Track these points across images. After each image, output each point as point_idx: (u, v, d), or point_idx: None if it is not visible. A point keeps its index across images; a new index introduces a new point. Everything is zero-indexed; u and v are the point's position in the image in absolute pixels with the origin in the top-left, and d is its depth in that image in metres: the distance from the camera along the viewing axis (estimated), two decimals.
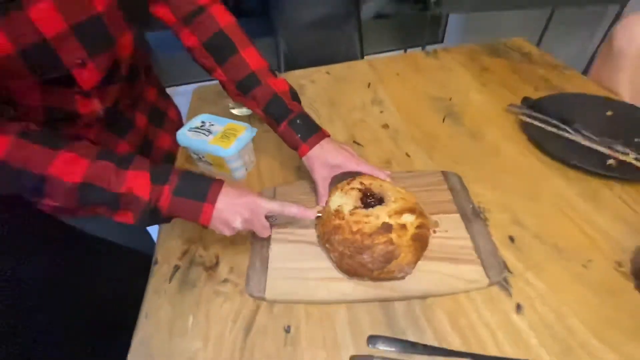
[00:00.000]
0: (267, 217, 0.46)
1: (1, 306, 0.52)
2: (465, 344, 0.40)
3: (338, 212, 0.46)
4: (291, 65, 1.22)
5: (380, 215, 0.44)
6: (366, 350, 0.40)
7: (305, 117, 0.54)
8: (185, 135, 0.61)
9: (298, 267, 0.47)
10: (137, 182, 0.42)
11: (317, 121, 0.55)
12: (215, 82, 0.59)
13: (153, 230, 0.86)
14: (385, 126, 0.72)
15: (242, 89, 0.55)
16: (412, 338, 0.41)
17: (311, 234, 0.51)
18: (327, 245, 0.47)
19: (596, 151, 0.60)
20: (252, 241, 0.52)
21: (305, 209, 0.47)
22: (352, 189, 0.49)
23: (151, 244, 0.84)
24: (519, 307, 0.43)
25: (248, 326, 0.43)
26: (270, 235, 0.51)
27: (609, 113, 0.67)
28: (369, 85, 0.84)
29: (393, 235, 0.42)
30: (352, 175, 0.52)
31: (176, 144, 0.68)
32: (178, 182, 0.43)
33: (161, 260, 0.52)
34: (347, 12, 1.24)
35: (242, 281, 0.48)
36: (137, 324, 0.46)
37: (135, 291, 0.52)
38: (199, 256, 0.52)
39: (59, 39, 0.42)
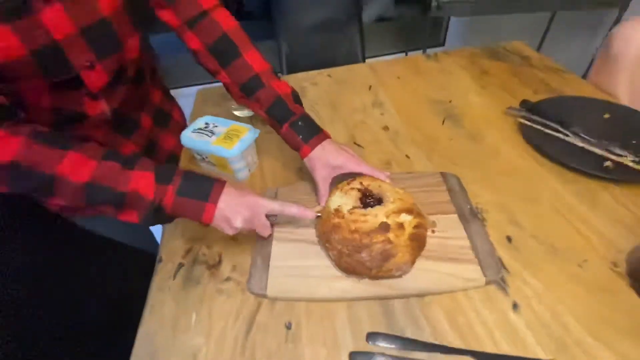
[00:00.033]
0: (267, 217, 0.47)
1: (7, 304, 0.53)
2: (463, 342, 0.41)
3: (337, 212, 0.47)
4: (293, 68, 1.24)
5: (378, 215, 0.45)
6: (365, 347, 0.41)
7: (307, 119, 0.55)
8: (189, 137, 0.62)
9: (299, 265, 0.48)
10: (142, 182, 0.43)
11: (319, 123, 0.56)
12: (218, 84, 0.60)
13: (156, 230, 0.87)
14: (386, 128, 0.73)
15: (246, 91, 0.56)
16: (410, 335, 0.42)
17: (312, 233, 0.52)
18: (326, 244, 0.48)
19: (593, 153, 0.61)
20: (255, 240, 0.53)
21: (305, 208, 0.48)
22: (352, 189, 0.50)
23: (154, 243, 0.85)
24: (515, 306, 0.43)
25: (250, 323, 0.44)
26: (272, 235, 0.52)
27: (606, 116, 0.67)
28: (369, 87, 0.86)
29: (391, 235, 0.43)
30: (352, 176, 0.53)
31: (180, 145, 0.69)
32: (181, 182, 0.44)
33: (165, 258, 0.53)
34: (349, 15, 1.25)
35: (244, 279, 0.49)
36: (142, 320, 0.47)
37: (138, 289, 0.53)
38: (202, 254, 0.53)
39: (68, 42, 0.43)
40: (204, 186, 0.45)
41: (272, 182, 0.64)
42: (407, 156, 0.66)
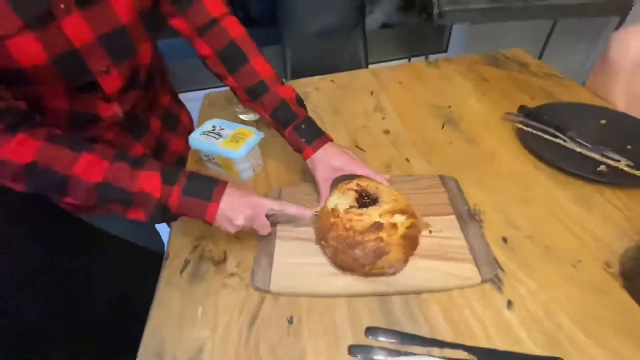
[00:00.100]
0: (267, 216, 0.50)
1: (17, 299, 0.55)
2: (458, 337, 0.42)
3: (334, 211, 0.49)
4: (297, 73, 1.27)
5: (372, 214, 0.47)
6: (364, 341, 0.43)
7: (310, 122, 0.57)
8: (197, 139, 0.65)
9: (301, 263, 0.50)
10: (149, 182, 0.45)
11: (321, 127, 0.58)
12: (224, 88, 0.63)
13: (162, 229, 0.89)
14: (387, 132, 0.75)
15: (252, 95, 0.59)
16: (408, 331, 0.43)
17: (313, 231, 0.54)
18: (323, 242, 0.50)
19: (589, 158, 0.63)
20: (259, 238, 0.55)
21: (304, 208, 0.50)
22: (349, 189, 0.52)
23: (160, 241, 0.88)
24: (510, 304, 0.45)
25: (253, 317, 0.46)
26: (275, 233, 0.54)
27: (602, 121, 0.69)
28: (371, 93, 0.88)
29: (383, 234, 0.45)
30: (352, 177, 0.55)
31: (187, 147, 0.72)
32: (186, 183, 0.47)
33: (172, 255, 0.55)
34: (353, 22, 1.28)
35: (248, 275, 0.51)
36: (150, 313, 0.49)
37: (144, 286, 0.55)
38: (209, 251, 0.55)
39: (87, 49, 0.46)
40: (207, 186, 0.47)
41: (276, 182, 0.66)
42: (407, 159, 0.68)
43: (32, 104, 0.46)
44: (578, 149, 0.64)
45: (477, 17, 1.35)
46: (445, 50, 2.01)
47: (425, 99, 0.84)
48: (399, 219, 0.47)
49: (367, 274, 0.47)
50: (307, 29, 1.27)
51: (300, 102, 0.59)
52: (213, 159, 0.66)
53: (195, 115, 0.85)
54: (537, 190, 0.59)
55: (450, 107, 0.80)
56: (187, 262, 0.54)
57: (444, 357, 0.40)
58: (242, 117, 0.82)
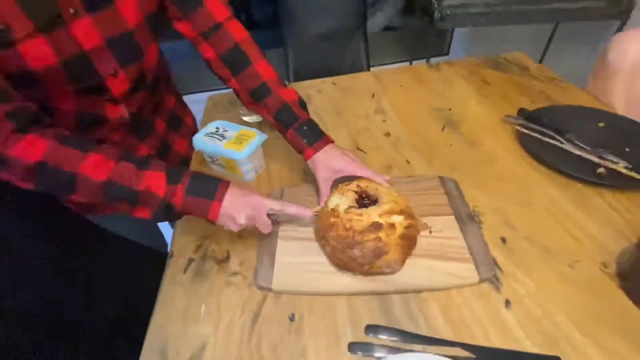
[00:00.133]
0: (268, 215, 0.51)
1: (22, 297, 0.56)
2: (457, 336, 0.43)
3: (334, 211, 0.50)
4: (300, 76, 1.28)
5: (372, 214, 0.48)
6: (364, 338, 0.44)
7: (312, 124, 0.58)
8: (201, 140, 0.66)
9: (302, 262, 0.51)
10: (154, 181, 0.47)
11: (323, 129, 0.59)
12: (228, 90, 0.64)
13: (165, 229, 0.90)
14: (387, 134, 0.76)
15: (255, 97, 0.60)
16: (407, 329, 0.44)
17: (314, 231, 0.55)
18: (322, 241, 0.51)
19: (588, 160, 0.63)
20: (261, 238, 0.56)
21: (304, 208, 0.51)
22: (349, 190, 0.53)
23: (163, 242, 0.89)
24: (507, 303, 0.46)
25: (256, 314, 0.47)
26: (277, 233, 0.55)
27: (601, 124, 0.70)
28: (373, 95, 0.89)
29: (382, 234, 0.46)
30: (353, 179, 0.56)
31: (191, 148, 0.73)
32: (190, 182, 0.48)
33: (176, 254, 0.56)
34: (354, 26, 1.29)
35: (250, 274, 0.52)
36: (154, 311, 0.50)
37: (147, 285, 0.56)
38: (212, 250, 0.56)
39: (95, 52, 0.48)
40: (211, 186, 0.49)
41: (279, 183, 0.67)
42: (407, 161, 0.69)
43: (40, 106, 0.48)
44: (577, 152, 0.65)
45: (478, 20, 1.36)
46: (447, 53, 2.02)
47: (426, 101, 0.85)
48: (398, 219, 0.48)
49: (365, 274, 0.48)
50: (310, 31, 1.29)
51: (302, 104, 0.61)
52: (217, 160, 0.68)
53: (199, 117, 0.86)
54: (536, 192, 0.60)
55: (450, 109, 0.81)
56: (190, 261, 0.55)
57: (442, 355, 0.41)
58: (245, 119, 0.83)
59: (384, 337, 0.43)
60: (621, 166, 0.60)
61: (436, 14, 1.32)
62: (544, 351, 0.41)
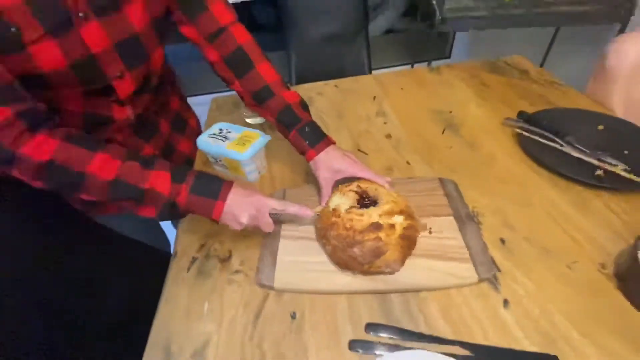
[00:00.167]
0: (270, 215, 0.51)
1: (26, 296, 0.56)
2: (456, 335, 0.44)
3: (335, 211, 0.51)
4: (302, 78, 1.29)
5: (372, 215, 0.49)
6: (364, 336, 0.44)
7: (314, 126, 0.59)
8: (205, 141, 0.67)
9: (304, 261, 0.52)
10: (159, 180, 0.48)
11: (325, 130, 0.60)
12: (231, 93, 0.65)
13: (168, 229, 0.91)
14: (388, 136, 0.77)
15: (258, 99, 0.61)
16: (406, 328, 0.45)
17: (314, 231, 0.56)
18: (323, 241, 0.51)
19: (587, 163, 0.64)
20: (263, 237, 0.56)
21: (305, 208, 0.52)
22: (350, 190, 0.54)
23: (166, 241, 0.90)
24: (506, 303, 0.46)
25: (258, 312, 0.48)
26: (279, 232, 0.56)
27: (600, 127, 0.70)
28: (374, 98, 0.90)
29: (382, 234, 0.47)
30: (353, 180, 0.57)
31: (195, 149, 0.74)
32: (194, 182, 0.49)
33: (180, 253, 0.57)
34: (356, 29, 1.31)
35: (252, 273, 0.53)
36: (158, 308, 0.51)
37: (150, 284, 0.57)
38: (214, 249, 0.57)
39: (103, 55, 0.49)
40: (214, 185, 0.50)
41: (281, 184, 0.68)
42: (408, 163, 0.70)
43: (48, 106, 0.49)
44: (576, 154, 0.66)
45: (479, 24, 1.37)
46: (448, 57, 2.03)
47: (426, 104, 0.86)
48: (397, 219, 0.49)
49: (365, 273, 0.49)
50: (312, 35, 1.30)
51: (304, 106, 0.62)
52: (220, 160, 0.69)
53: (203, 119, 0.88)
54: (535, 194, 0.60)
55: (451, 112, 0.82)
56: (194, 260, 0.56)
57: (442, 353, 0.42)
58: (248, 120, 0.84)
59: (383, 335, 0.44)
60: (620, 169, 0.61)
61: (437, 18, 1.33)
62: (542, 350, 0.41)
